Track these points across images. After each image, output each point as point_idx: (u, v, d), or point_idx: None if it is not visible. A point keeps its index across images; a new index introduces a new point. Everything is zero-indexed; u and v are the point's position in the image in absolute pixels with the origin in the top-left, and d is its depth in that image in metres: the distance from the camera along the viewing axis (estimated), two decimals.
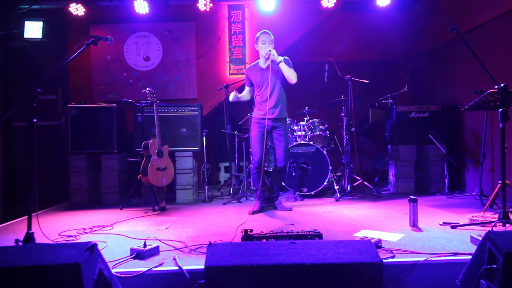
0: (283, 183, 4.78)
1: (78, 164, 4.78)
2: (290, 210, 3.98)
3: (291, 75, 3.78)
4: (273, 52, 3.77)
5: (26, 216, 2.66)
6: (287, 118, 5.19)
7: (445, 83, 5.47)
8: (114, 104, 4.87)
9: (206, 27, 5.96)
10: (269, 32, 3.92)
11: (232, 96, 3.96)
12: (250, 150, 4.10)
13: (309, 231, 2.56)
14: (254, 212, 3.86)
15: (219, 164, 6.16)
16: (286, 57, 3.90)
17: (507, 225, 2.83)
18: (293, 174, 4.66)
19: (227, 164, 5.90)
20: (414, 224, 3.14)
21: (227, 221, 3.59)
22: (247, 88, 4.11)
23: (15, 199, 5.44)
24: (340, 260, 1.88)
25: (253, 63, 4.09)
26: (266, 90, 3.89)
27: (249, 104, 4.54)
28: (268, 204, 4.09)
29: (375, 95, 5.62)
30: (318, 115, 5.43)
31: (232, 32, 5.92)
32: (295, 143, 4.89)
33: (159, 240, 2.83)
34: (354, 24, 6.26)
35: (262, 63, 3.97)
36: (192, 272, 2.17)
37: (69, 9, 5.40)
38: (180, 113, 4.89)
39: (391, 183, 5.28)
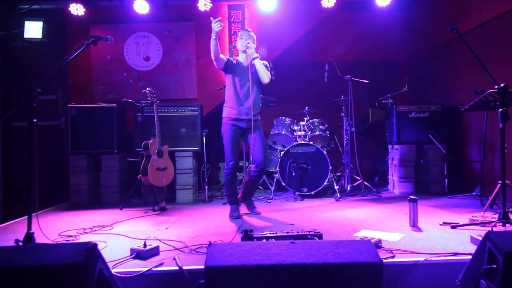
0: (283, 183, 4.79)
1: (78, 164, 4.79)
2: (259, 214, 3.82)
3: (264, 74, 3.63)
4: (251, 46, 3.64)
5: (26, 216, 2.66)
6: (287, 118, 5.23)
7: (445, 83, 5.47)
8: (114, 104, 4.87)
9: (206, 27, 5.89)
10: (249, 30, 3.79)
11: (218, 26, 3.41)
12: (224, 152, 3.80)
13: (309, 231, 2.56)
14: (237, 217, 3.69)
15: (219, 164, 6.15)
16: (266, 62, 3.78)
17: (507, 225, 2.83)
18: (293, 174, 4.66)
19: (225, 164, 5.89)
20: (414, 224, 3.14)
21: (227, 221, 3.59)
22: (223, 56, 3.67)
23: (15, 199, 5.44)
24: (340, 260, 1.88)
25: (235, 57, 3.85)
26: (243, 88, 3.69)
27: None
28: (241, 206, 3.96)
29: (375, 95, 5.62)
30: (318, 115, 5.43)
31: (232, 32, 5.92)
32: (295, 143, 4.89)
33: (159, 240, 2.83)
34: (354, 24, 6.26)
35: (242, 59, 3.77)
36: (192, 272, 2.17)
37: (69, 9, 5.40)
38: (180, 113, 4.89)
39: (391, 183, 5.28)
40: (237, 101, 3.71)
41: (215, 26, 3.40)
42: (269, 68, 3.77)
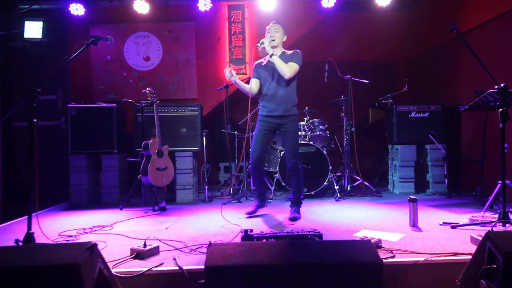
0: (283, 183, 4.78)
1: (78, 164, 4.79)
2: (294, 220, 3.53)
3: (283, 69, 3.45)
4: (266, 43, 3.51)
5: (26, 216, 2.66)
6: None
7: (445, 83, 5.47)
8: (114, 104, 4.87)
9: (206, 27, 5.96)
10: (277, 22, 3.63)
11: (227, 73, 3.44)
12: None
13: (309, 231, 2.56)
14: (249, 213, 3.72)
15: (219, 164, 6.16)
16: (296, 50, 3.59)
17: (507, 225, 2.83)
18: None
19: (227, 164, 5.91)
20: (414, 224, 3.14)
21: (228, 220, 3.59)
22: (253, 80, 3.68)
23: (15, 199, 5.44)
24: (340, 260, 1.88)
25: (262, 58, 3.78)
26: (270, 86, 3.60)
27: (249, 105, 4.51)
28: (263, 204, 3.87)
29: (375, 95, 5.62)
30: (318, 115, 5.43)
31: (232, 32, 5.92)
32: None
33: (159, 240, 2.83)
34: (354, 24, 6.26)
35: (269, 57, 3.64)
36: (192, 272, 2.17)
37: (69, 9, 5.40)
38: (180, 113, 4.89)
39: (391, 183, 5.28)
40: (266, 98, 3.64)
41: (227, 76, 3.45)
42: (296, 59, 3.54)
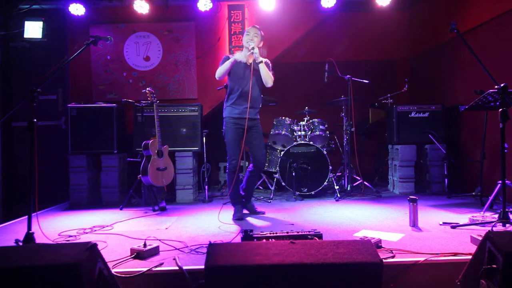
0: (283, 183, 4.78)
1: (78, 164, 4.79)
2: (263, 214, 3.86)
3: (268, 78, 3.62)
4: (256, 50, 3.57)
5: (26, 216, 2.66)
6: (287, 118, 5.22)
7: (445, 83, 5.47)
8: (114, 104, 4.87)
9: (206, 27, 5.96)
10: (257, 27, 3.73)
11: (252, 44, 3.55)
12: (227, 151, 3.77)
13: (309, 231, 2.56)
14: (240, 218, 3.66)
15: (219, 164, 6.16)
16: (267, 60, 3.73)
17: (507, 225, 2.83)
18: (293, 174, 4.65)
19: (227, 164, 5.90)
20: (414, 224, 3.14)
21: (228, 221, 3.59)
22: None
23: (16, 199, 5.44)
24: (340, 260, 1.88)
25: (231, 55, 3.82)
26: (247, 88, 3.63)
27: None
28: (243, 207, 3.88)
29: (375, 95, 5.62)
30: (318, 115, 5.43)
31: (232, 32, 5.92)
32: (295, 143, 4.89)
33: (159, 240, 2.83)
34: (354, 24, 6.26)
35: (244, 56, 3.71)
36: (192, 272, 2.17)
37: (69, 9, 5.40)
38: (180, 113, 4.90)
39: (391, 183, 5.28)
40: (238, 100, 3.68)
41: (250, 44, 3.55)
42: (270, 68, 3.73)
